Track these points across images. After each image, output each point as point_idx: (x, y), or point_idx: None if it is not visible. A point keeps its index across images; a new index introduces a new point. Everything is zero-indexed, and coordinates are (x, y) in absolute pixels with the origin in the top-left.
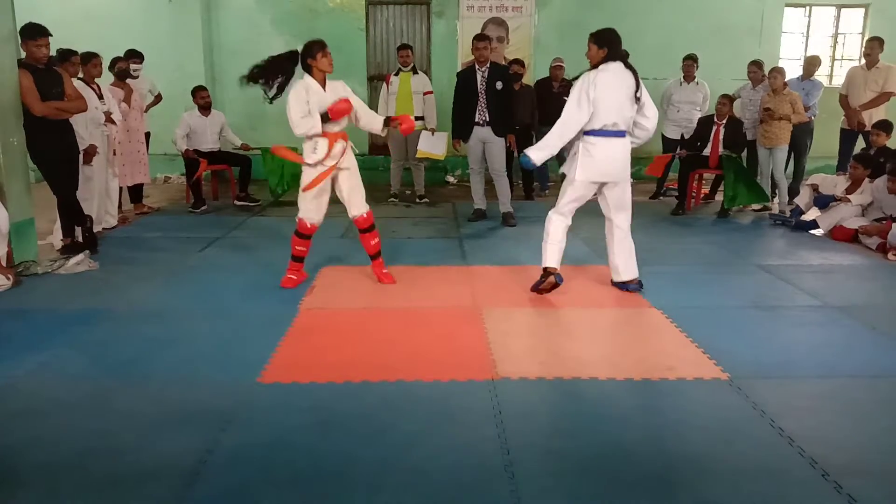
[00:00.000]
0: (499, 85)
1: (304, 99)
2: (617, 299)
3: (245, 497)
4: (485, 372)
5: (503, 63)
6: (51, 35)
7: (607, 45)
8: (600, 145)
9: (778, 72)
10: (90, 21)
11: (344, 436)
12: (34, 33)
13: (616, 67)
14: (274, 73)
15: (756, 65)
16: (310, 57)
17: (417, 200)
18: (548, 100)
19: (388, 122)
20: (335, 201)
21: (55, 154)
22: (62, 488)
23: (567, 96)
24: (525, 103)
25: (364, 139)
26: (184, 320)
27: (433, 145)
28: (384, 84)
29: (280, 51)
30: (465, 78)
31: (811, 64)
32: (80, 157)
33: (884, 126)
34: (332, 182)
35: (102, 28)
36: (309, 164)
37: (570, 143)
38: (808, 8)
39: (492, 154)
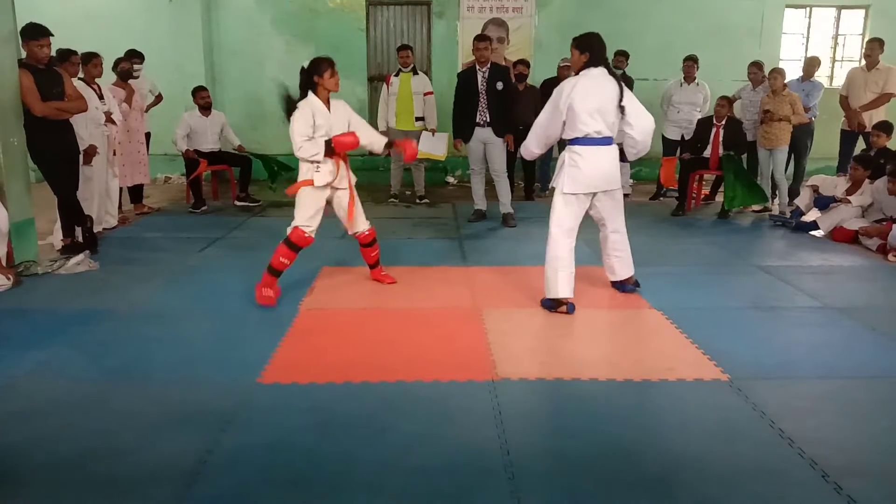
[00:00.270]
0: (499, 85)
1: (310, 122)
2: (617, 300)
3: (245, 498)
4: (485, 372)
5: (504, 63)
6: (52, 35)
7: (588, 50)
8: (586, 155)
9: (778, 73)
10: (90, 21)
11: (344, 436)
12: (35, 33)
13: (598, 73)
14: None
15: (756, 66)
16: (317, 74)
17: (417, 201)
18: None
19: (390, 144)
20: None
21: (55, 154)
22: (62, 488)
23: None
24: (529, 104)
25: None
26: (184, 321)
27: (434, 146)
28: (384, 85)
29: (280, 51)
30: (466, 78)
31: (811, 65)
32: (81, 157)
33: (884, 127)
34: (327, 200)
35: (103, 28)
36: (316, 185)
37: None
38: (808, 9)
39: (492, 155)
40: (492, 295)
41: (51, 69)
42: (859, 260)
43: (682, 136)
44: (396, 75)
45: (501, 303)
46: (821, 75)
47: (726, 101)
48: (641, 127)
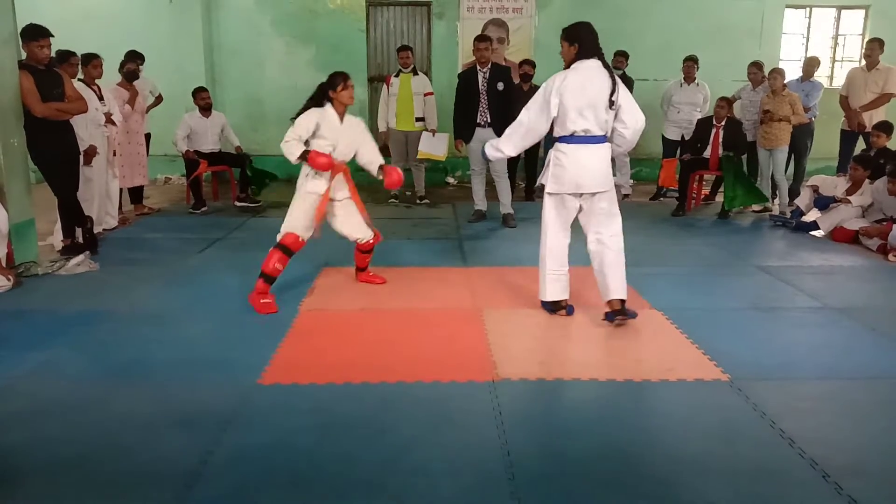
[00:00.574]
0: (500, 86)
1: (310, 128)
2: None
3: (245, 498)
4: (485, 373)
5: (505, 64)
6: (52, 36)
7: (578, 41)
8: (571, 154)
9: (777, 73)
10: (90, 22)
11: (344, 437)
12: (36, 34)
13: (589, 66)
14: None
15: (756, 66)
16: (331, 88)
17: (418, 201)
18: None
19: (381, 169)
20: None
21: (56, 155)
22: (62, 488)
23: None
24: None
25: None
26: (184, 321)
27: (434, 146)
28: (384, 85)
29: (280, 52)
30: (467, 79)
31: (810, 65)
32: (81, 157)
33: (884, 127)
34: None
35: (103, 29)
36: (307, 191)
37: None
38: (808, 9)
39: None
40: (492, 295)
41: (51, 70)
42: (859, 260)
43: (683, 137)
44: (396, 76)
45: (501, 303)
46: (821, 75)
47: (726, 102)
48: (634, 126)
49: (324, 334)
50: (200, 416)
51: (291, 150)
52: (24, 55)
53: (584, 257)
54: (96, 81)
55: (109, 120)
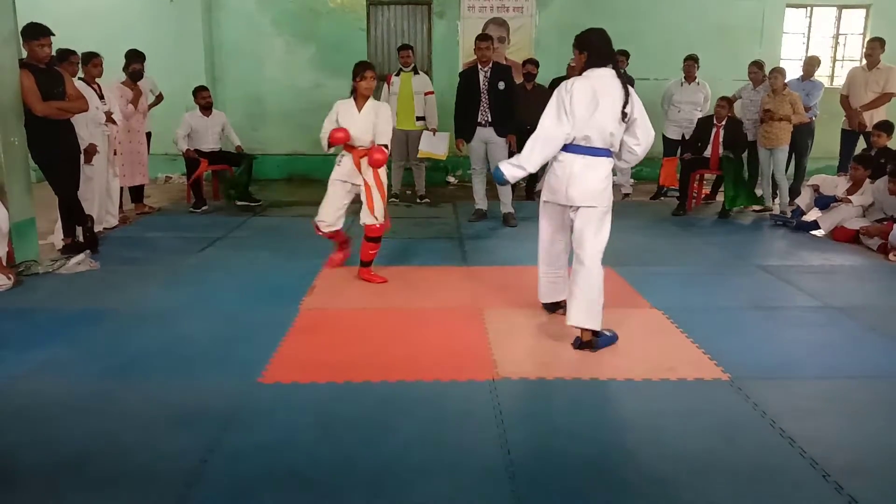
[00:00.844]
0: (501, 85)
1: (332, 117)
2: (617, 300)
3: (246, 497)
4: (485, 372)
5: (505, 63)
6: (53, 35)
7: (587, 49)
8: (567, 163)
9: (778, 72)
10: (91, 21)
11: (344, 436)
12: (36, 33)
13: (601, 75)
14: None
15: (757, 65)
16: (353, 79)
17: (418, 201)
18: None
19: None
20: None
21: (56, 154)
22: (62, 488)
23: None
24: (537, 103)
25: None
26: (184, 320)
27: (434, 145)
28: (385, 84)
29: (280, 51)
30: (468, 78)
31: (811, 64)
32: (81, 156)
33: (884, 127)
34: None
35: (103, 28)
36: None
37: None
38: (809, 8)
39: (494, 154)
40: (492, 295)
41: (52, 69)
42: (860, 260)
43: (683, 136)
44: (397, 75)
45: (502, 303)
46: (821, 75)
47: (726, 102)
48: (647, 141)
49: (324, 333)
50: (201, 415)
51: (322, 139)
52: (24, 54)
53: None
54: (96, 80)
55: (110, 119)
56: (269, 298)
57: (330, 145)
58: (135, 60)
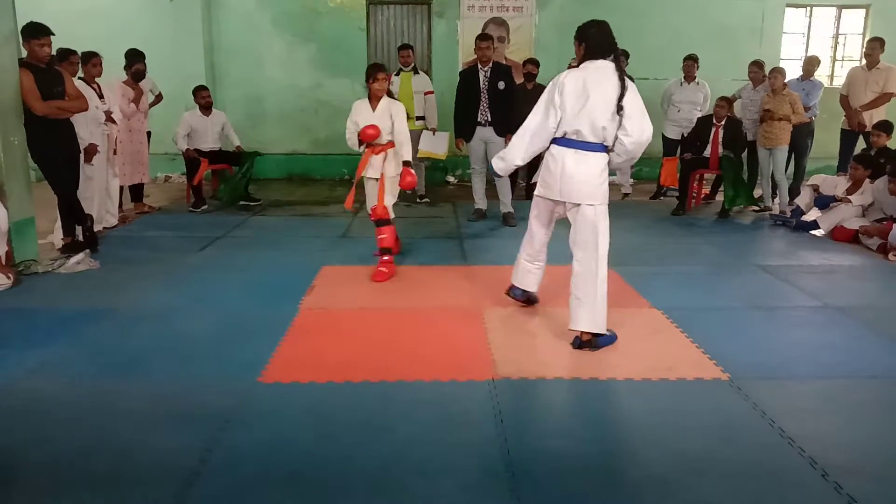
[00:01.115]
0: (501, 85)
1: (352, 117)
2: (617, 299)
3: (245, 496)
4: (485, 372)
5: (505, 63)
6: (53, 34)
7: (585, 40)
8: (559, 158)
9: (778, 72)
10: (90, 20)
11: (344, 436)
12: (36, 32)
13: (598, 67)
14: None
15: (757, 65)
16: (366, 81)
17: (418, 200)
18: None
19: (406, 163)
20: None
21: (56, 153)
22: (62, 487)
23: None
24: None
25: None
26: (184, 319)
27: (434, 145)
28: None
29: (280, 50)
30: (468, 77)
31: (810, 64)
32: (81, 156)
33: (884, 127)
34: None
35: (103, 27)
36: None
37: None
38: (808, 8)
39: (493, 154)
40: (492, 294)
41: (52, 68)
42: (859, 259)
43: (683, 136)
44: (397, 74)
45: (501, 302)
46: (821, 74)
47: (726, 102)
48: (638, 136)
49: (324, 333)
50: (200, 414)
51: (349, 139)
52: (24, 53)
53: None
54: (96, 80)
55: (109, 118)
56: (269, 298)
57: (360, 142)
58: (137, 60)
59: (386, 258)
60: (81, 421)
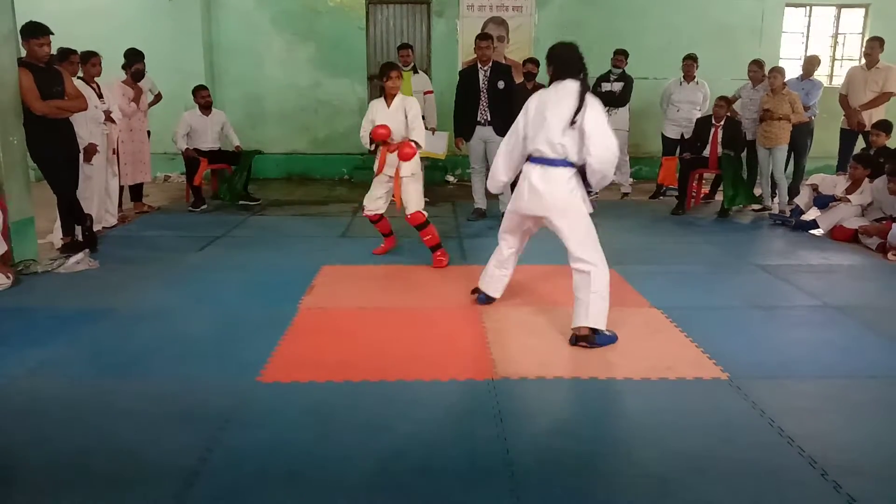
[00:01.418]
0: (500, 84)
1: (368, 116)
2: (616, 299)
3: (244, 496)
4: (484, 372)
5: (505, 62)
6: (52, 34)
7: (552, 63)
8: (526, 174)
9: (777, 72)
10: (90, 20)
11: (343, 435)
12: (36, 32)
13: (564, 86)
14: None
15: (756, 64)
16: (380, 79)
17: None
18: None
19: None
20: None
21: (55, 153)
22: (62, 487)
23: None
24: None
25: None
26: (184, 319)
27: (434, 145)
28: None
29: (280, 50)
30: (467, 77)
31: (810, 64)
32: (81, 155)
33: (883, 126)
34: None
35: (102, 27)
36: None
37: None
38: (808, 8)
39: (493, 153)
40: None
41: (51, 68)
42: (859, 259)
43: (682, 135)
44: None
45: (501, 302)
46: (820, 74)
47: (725, 102)
48: (601, 155)
49: (323, 332)
50: (200, 413)
51: (363, 138)
52: (23, 53)
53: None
54: (95, 79)
55: (109, 118)
56: (269, 297)
57: (371, 141)
58: (136, 60)
59: (438, 252)
60: (81, 421)
